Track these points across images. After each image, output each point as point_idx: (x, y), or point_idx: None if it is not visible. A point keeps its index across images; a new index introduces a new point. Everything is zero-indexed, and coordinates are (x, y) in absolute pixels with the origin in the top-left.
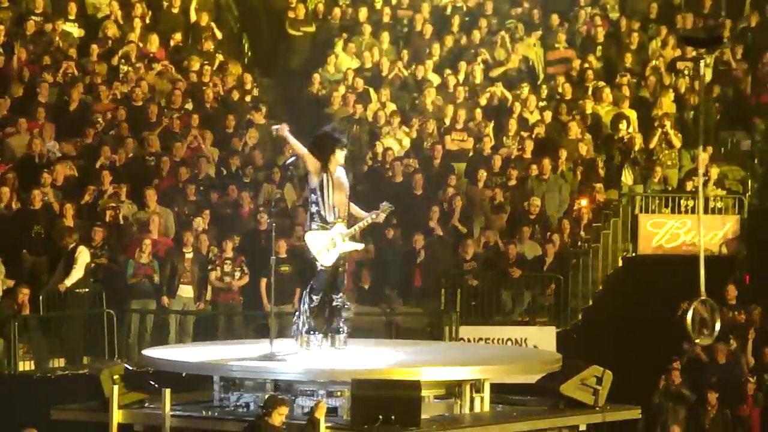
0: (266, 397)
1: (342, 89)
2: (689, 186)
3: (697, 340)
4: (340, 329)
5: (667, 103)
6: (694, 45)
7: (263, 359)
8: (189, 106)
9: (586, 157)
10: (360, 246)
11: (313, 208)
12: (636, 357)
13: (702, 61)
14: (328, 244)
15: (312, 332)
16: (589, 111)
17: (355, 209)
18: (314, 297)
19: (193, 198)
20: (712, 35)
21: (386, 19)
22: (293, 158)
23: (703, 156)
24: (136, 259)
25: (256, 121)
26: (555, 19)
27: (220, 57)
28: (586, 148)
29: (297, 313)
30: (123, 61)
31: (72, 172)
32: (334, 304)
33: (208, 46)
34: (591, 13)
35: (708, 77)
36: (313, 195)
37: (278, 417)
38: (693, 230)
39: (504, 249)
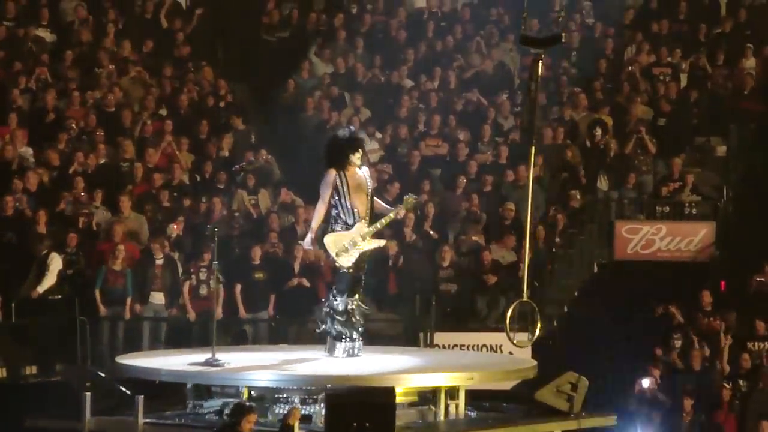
0: (234, 404)
1: (316, 95)
2: (664, 192)
3: (514, 342)
4: (355, 336)
5: (642, 109)
6: (532, 45)
7: (203, 365)
8: (163, 111)
9: (565, 162)
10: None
11: (334, 212)
12: (611, 363)
13: (540, 62)
14: (349, 244)
15: (341, 338)
16: (565, 117)
17: (381, 206)
18: (339, 299)
19: (166, 204)
20: (550, 35)
21: (361, 24)
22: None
23: (678, 162)
24: (109, 266)
25: (237, 127)
26: (531, 24)
27: (193, 62)
28: (571, 154)
29: (322, 319)
30: (96, 67)
31: (45, 178)
32: (350, 307)
33: (182, 51)
34: (566, 18)
35: (684, 83)
36: (332, 199)
37: (247, 425)
38: (668, 236)
39: (480, 255)
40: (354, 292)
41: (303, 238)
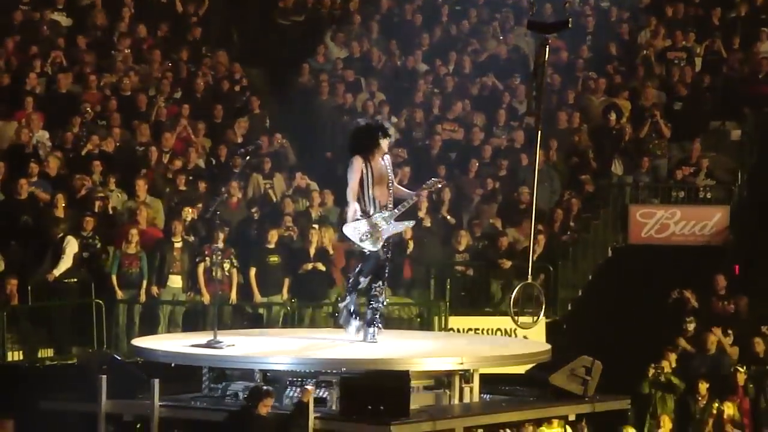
0: (251, 388)
1: (331, 79)
2: (679, 176)
3: (519, 323)
4: (375, 322)
5: (657, 94)
6: (539, 30)
7: (203, 347)
8: (178, 95)
9: (578, 147)
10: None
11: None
12: (625, 347)
13: (547, 46)
14: (371, 230)
15: (355, 316)
16: (579, 102)
17: (402, 191)
18: (362, 279)
19: (182, 188)
20: (557, 20)
21: (376, 8)
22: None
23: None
24: (123, 250)
25: (253, 110)
26: (546, 8)
27: (208, 47)
28: (579, 138)
29: (345, 296)
30: (112, 50)
31: (63, 162)
32: (373, 293)
33: (197, 35)
34: (581, 2)
35: (699, 67)
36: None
37: (264, 408)
38: (683, 221)
39: (496, 239)
40: (379, 278)
41: (317, 223)
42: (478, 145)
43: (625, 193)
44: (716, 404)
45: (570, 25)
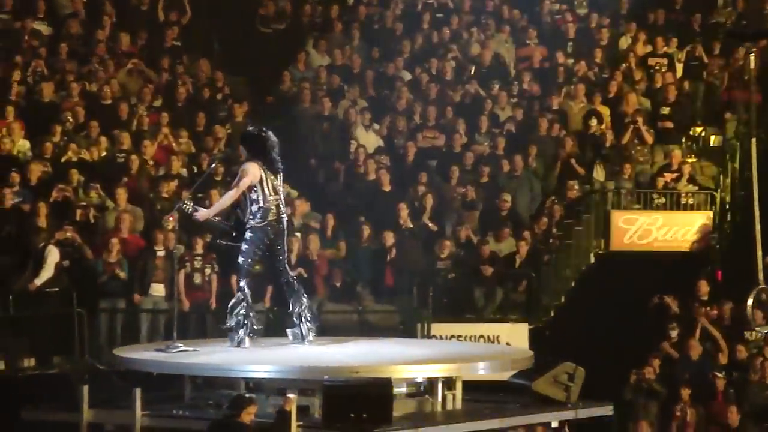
0: (234, 396)
1: (313, 87)
2: (661, 182)
3: (757, 328)
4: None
5: (639, 100)
6: (740, 38)
7: (157, 351)
8: (159, 104)
9: (563, 154)
10: None
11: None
12: (608, 353)
13: (752, 55)
14: None
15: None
16: (559, 107)
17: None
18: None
19: (165, 196)
20: (758, 30)
21: (357, 15)
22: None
23: (676, 152)
24: (104, 258)
25: (236, 117)
26: (526, 15)
27: (189, 55)
28: (565, 145)
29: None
30: (93, 59)
31: (45, 171)
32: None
33: (178, 43)
34: (560, 8)
35: (680, 73)
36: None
37: (247, 416)
38: (665, 227)
39: (478, 246)
40: None
41: (299, 231)
42: (460, 152)
43: (607, 199)
44: (680, 406)
45: None
